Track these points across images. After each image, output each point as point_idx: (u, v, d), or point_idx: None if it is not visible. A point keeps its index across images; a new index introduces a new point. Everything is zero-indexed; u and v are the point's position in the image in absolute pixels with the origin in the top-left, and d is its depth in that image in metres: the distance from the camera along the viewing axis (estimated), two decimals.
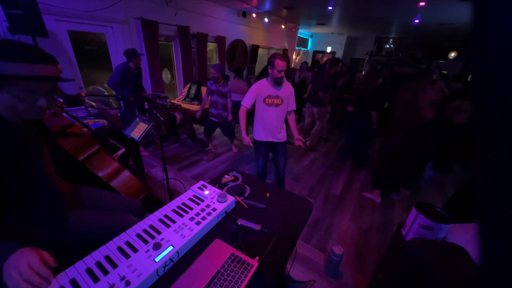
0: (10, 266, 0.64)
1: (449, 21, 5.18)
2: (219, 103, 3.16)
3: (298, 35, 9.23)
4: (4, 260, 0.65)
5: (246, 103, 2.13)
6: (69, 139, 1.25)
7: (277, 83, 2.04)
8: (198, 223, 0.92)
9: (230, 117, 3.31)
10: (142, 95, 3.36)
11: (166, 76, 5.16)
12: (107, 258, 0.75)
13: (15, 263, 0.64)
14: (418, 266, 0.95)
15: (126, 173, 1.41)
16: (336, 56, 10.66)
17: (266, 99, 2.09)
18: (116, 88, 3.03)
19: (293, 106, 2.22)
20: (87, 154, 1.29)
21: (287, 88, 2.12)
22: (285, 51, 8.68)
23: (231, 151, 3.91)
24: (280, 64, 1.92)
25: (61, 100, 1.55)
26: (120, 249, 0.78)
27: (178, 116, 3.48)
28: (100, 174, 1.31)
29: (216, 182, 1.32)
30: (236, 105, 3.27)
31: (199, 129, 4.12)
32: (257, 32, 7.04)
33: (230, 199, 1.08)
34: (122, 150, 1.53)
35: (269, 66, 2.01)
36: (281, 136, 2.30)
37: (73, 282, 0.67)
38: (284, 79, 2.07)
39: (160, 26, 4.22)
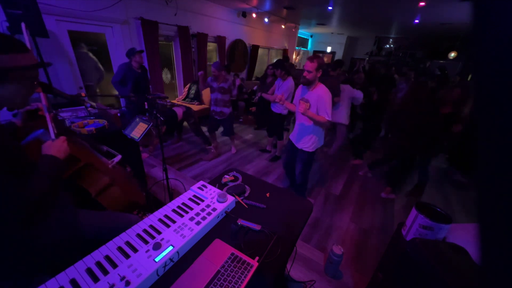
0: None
1: (449, 21, 5.18)
2: (219, 100, 3.14)
3: (298, 35, 9.22)
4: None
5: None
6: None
7: (302, 83, 2.04)
8: (198, 223, 0.92)
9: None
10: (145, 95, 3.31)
11: (166, 76, 5.16)
12: (107, 258, 0.75)
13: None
14: (418, 266, 0.95)
15: (116, 189, 1.28)
16: (336, 56, 10.67)
17: (300, 101, 2.11)
18: (118, 86, 3.06)
19: (324, 113, 1.94)
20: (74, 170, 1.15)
21: (317, 93, 1.98)
22: (285, 51, 8.68)
23: (231, 151, 3.91)
24: (306, 63, 1.94)
25: (53, 113, 1.40)
26: (120, 249, 0.78)
27: (178, 111, 3.45)
28: (89, 189, 1.19)
29: (216, 182, 1.32)
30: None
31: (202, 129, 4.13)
32: (257, 32, 7.03)
33: (230, 199, 1.08)
34: (119, 157, 1.48)
35: None
36: (302, 144, 2.22)
37: (73, 282, 0.67)
38: (317, 82, 2.01)
39: (160, 26, 4.22)
